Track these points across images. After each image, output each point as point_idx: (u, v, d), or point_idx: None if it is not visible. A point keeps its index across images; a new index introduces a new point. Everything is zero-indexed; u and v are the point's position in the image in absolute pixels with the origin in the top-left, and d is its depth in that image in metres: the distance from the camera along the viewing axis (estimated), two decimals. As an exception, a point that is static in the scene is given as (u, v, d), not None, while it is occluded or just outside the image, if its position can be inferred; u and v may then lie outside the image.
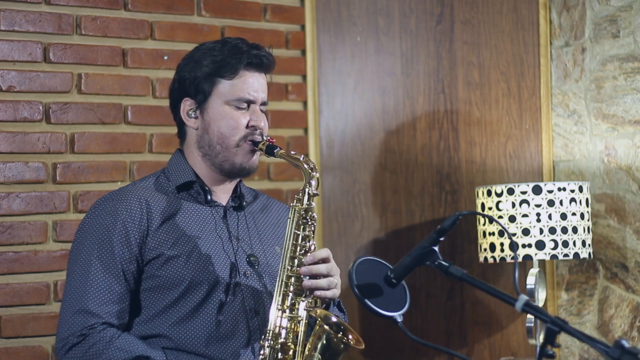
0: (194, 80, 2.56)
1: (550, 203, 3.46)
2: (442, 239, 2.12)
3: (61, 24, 3.37)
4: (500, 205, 3.50)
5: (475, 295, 3.87)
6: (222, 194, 2.62)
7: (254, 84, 2.56)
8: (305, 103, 3.93)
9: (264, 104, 2.59)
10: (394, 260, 2.29)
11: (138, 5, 3.54)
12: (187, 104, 2.58)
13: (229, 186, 2.63)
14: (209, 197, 2.57)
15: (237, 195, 2.64)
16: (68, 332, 2.42)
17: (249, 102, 2.56)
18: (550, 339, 1.88)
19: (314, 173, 2.49)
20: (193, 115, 2.58)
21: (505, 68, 3.89)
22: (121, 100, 3.49)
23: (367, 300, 2.17)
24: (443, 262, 2.10)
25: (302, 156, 2.52)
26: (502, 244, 3.50)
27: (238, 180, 2.65)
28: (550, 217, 3.46)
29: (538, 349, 3.46)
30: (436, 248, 2.13)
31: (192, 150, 2.61)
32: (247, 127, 2.54)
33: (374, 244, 3.95)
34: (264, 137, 2.55)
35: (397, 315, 2.19)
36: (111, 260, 2.45)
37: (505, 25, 3.89)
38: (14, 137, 3.27)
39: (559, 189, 3.47)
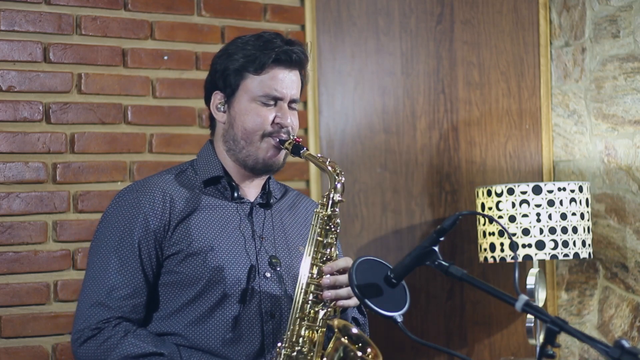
0: (224, 73, 2.54)
1: (550, 203, 3.47)
2: (442, 239, 2.11)
3: (61, 24, 3.37)
4: (500, 205, 3.50)
5: (475, 295, 3.87)
6: (250, 189, 2.59)
7: (283, 80, 2.52)
8: (305, 103, 3.93)
9: (293, 101, 2.55)
10: (394, 260, 2.29)
11: (138, 5, 3.53)
12: (217, 98, 2.56)
13: (258, 182, 2.60)
14: (236, 194, 2.55)
15: (265, 192, 2.61)
16: (84, 324, 2.42)
17: (276, 99, 2.52)
18: (550, 339, 1.88)
19: (341, 177, 2.45)
20: (222, 109, 2.56)
21: (505, 68, 3.89)
22: (121, 100, 3.49)
23: (367, 300, 2.17)
24: (443, 262, 2.10)
25: (329, 160, 2.48)
26: (502, 244, 3.50)
27: (267, 176, 2.62)
28: (550, 217, 3.46)
29: (538, 349, 3.46)
30: (436, 248, 2.12)
31: (219, 144, 2.58)
32: (272, 123, 2.51)
33: (374, 244, 3.95)
34: (291, 136, 2.51)
35: (397, 315, 2.18)
36: (131, 254, 2.45)
37: (505, 25, 3.89)
38: (14, 137, 3.27)
39: (559, 189, 3.47)
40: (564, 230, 3.46)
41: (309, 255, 2.42)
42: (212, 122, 2.63)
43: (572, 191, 3.49)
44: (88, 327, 2.41)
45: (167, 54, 3.57)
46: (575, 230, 3.48)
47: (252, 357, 2.46)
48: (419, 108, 3.96)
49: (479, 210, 3.60)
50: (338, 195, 2.44)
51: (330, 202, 2.44)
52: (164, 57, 3.57)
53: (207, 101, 2.61)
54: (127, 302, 2.43)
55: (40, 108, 3.32)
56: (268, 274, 2.50)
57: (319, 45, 3.97)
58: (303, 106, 3.92)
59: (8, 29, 3.28)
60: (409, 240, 3.94)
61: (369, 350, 2.38)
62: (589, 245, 3.53)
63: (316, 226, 2.43)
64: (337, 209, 2.45)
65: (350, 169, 3.98)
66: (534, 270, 3.51)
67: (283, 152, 2.53)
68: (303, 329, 2.40)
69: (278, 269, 2.51)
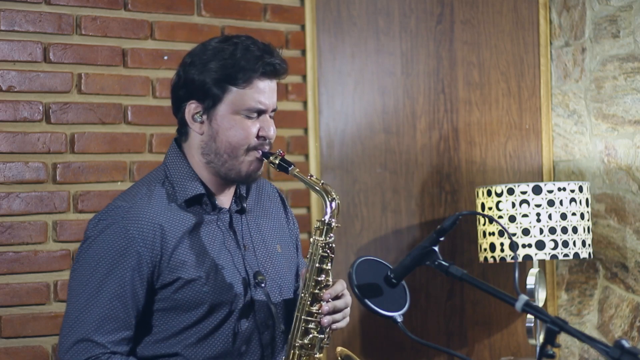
0: (203, 85, 2.43)
1: (550, 203, 3.47)
2: (442, 239, 2.11)
3: (61, 24, 3.37)
4: (500, 205, 3.50)
5: (475, 295, 3.87)
6: (226, 197, 2.53)
7: (265, 92, 2.44)
8: (305, 103, 3.93)
9: (273, 110, 2.48)
10: (394, 260, 2.29)
11: (138, 5, 3.53)
12: (192, 107, 2.46)
13: (231, 189, 2.54)
14: (215, 203, 2.49)
15: (237, 196, 2.56)
16: None
17: (260, 112, 2.44)
18: (550, 339, 1.88)
19: (336, 202, 2.40)
20: (199, 120, 2.45)
21: (505, 68, 3.89)
22: (121, 100, 3.49)
23: (367, 300, 2.17)
24: (443, 262, 2.10)
25: (322, 182, 2.42)
26: (502, 244, 3.50)
27: None
28: (550, 217, 3.46)
29: (538, 349, 3.46)
30: (436, 248, 2.12)
31: (194, 154, 2.49)
32: (257, 137, 2.44)
33: (374, 244, 3.95)
34: (277, 151, 2.44)
35: (397, 315, 2.18)
36: (120, 287, 2.37)
37: (505, 25, 3.89)
38: (14, 137, 3.27)
39: (559, 189, 3.48)
40: (564, 230, 3.47)
41: (309, 285, 2.39)
42: (182, 128, 2.52)
43: (572, 191, 3.49)
44: None
45: (167, 54, 3.57)
46: (575, 230, 3.48)
47: None
48: (419, 108, 3.96)
49: (479, 210, 3.60)
50: (334, 220, 2.41)
51: (326, 227, 2.40)
52: (164, 57, 3.57)
53: (177, 108, 2.50)
54: (117, 336, 2.36)
55: (40, 108, 3.32)
56: (263, 284, 2.48)
57: (319, 45, 3.97)
58: (303, 106, 3.92)
59: (8, 29, 3.28)
60: (409, 240, 3.94)
61: None
62: (589, 245, 3.53)
63: (314, 255, 2.40)
64: (333, 235, 2.41)
65: (350, 169, 3.98)
66: (534, 270, 3.51)
67: (264, 163, 2.47)
68: (301, 355, 2.40)
69: (263, 285, 2.48)
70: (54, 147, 3.33)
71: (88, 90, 3.42)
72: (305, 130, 3.92)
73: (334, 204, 2.40)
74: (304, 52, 3.93)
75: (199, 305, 2.41)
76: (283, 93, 3.87)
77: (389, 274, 2.20)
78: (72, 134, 3.37)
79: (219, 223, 2.49)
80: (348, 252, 3.93)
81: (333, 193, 2.41)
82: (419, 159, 3.95)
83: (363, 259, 2.23)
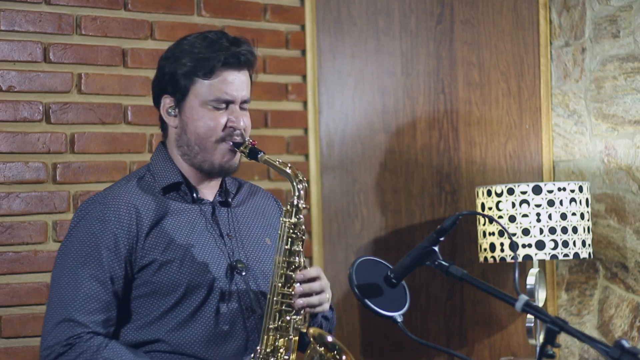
0: (173, 77, 2.50)
1: (550, 203, 3.47)
2: (442, 239, 2.12)
3: (61, 24, 3.37)
4: (500, 205, 3.50)
5: (475, 295, 3.87)
6: (208, 190, 2.58)
7: (232, 83, 2.49)
8: (305, 103, 3.93)
9: (244, 102, 2.52)
10: (394, 260, 2.29)
11: (138, 5, 3.54)
12: (166, 102, 2.53)
13: (215, 182, 2.58)
14: (196, 195, 2.54)
15: (223, 190, 2.60)
16: (54, 340, 2.39)
17: (227, 102, 2.49)
18: (550, 339, 1.88)
19: (303, 184, 2.44)
20: (172, 114, 2.53)
21: (505, 68, 3.89)
22: (121, 100, 3.49)
23: (367, 300, 2.17)
24: (443, 262, 2.10)
25: (289, 165, 2.46)
26: (502, 244, 3.50)
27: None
28: (550, 217, 3.46)
29: (538, 349, 3.46)
30: (436, 248, 2.13)
31: (172, 148, 2.57)
32: (225, 127, 2.49)
33: (374, 244, 3.95)
34: (246, 140, 2.49)
35: (397, 315, 2.19)
36: (99, 269, 2.41)
37: (505, 25, 3.89)
38: (14, 137, 3.27)
39: (559, 189, 3.47)
40: (564, 230, 3.46)
41: (278, 265, 2.41)
42: (163, 125, 2.60)
43: (572, 191, 3.49)
44: (59, 344, 2.38)
45: (167, 54, 3.57)
46: (575, 230, 3.48)
47: (237, 354, 2.47)
48: (419, 108, 3.96)
49: (479, 210, 3.60)
50: (302, 201, 2.43)
51: (295, 209, 2.43)
52: (164, 57, 3.57)
53: (157, 104, 2.58)
54: (98, 317, 2.41)
55: (40, 108, 3.32)
56: (243, 272, 2.51)
57: (319, 45, 3.97)
58: (303, 106, 3.93)
59: (8, 29, 3.28)
60: (409, 240, 3.94)
61: (344, 357, 2.39)
62: (589, 245, 3.53)
63: (283, 235, 2.42)
64: (302, 216, 2.44)
65: (350, 169, 3.98)
66: (534, 270, 3.51)
67: (238, 155, 2.51)
68: (276, 338, 2.40)
69: (244, 273, 2.51)
70: (54, 147, 3.33)
71: (88, 90, 3.42)
72: (305, 130, 3.92)
73: (301, 186, 2.43)
74: (304, 52, 3.94)
75: (176, 288, 2.44)
76: (283, 93, 3.87)
77: (389, 274, 2.20)
78: (72, 134, 3.38)
79: (202, 212, 2.54)
80: (348, 252, 3.93)
81: (300, 175, 2.45)
82: (419, 159, 3.95)
83: (363, 259, 2.23)
